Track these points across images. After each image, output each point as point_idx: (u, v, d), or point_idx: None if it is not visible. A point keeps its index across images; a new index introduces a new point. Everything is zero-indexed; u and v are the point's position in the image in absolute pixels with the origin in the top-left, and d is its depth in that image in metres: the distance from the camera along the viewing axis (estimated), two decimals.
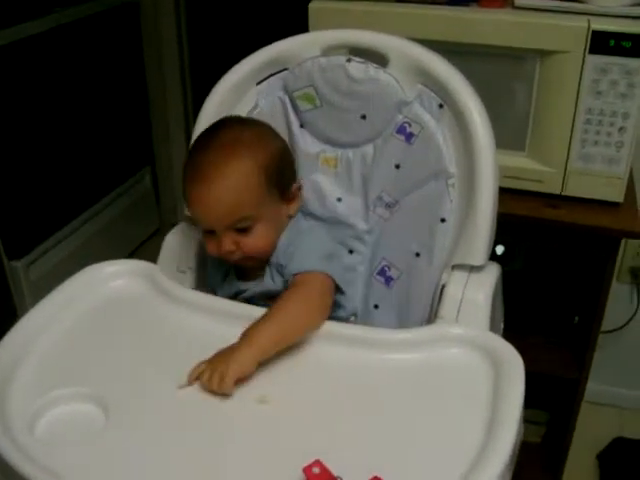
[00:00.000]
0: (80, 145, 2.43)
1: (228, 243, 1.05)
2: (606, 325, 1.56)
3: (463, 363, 0.93)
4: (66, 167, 2.37)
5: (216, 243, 1.06)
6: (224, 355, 0.91)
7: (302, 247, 1.08)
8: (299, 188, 1.15)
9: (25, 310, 1.00)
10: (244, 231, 1.06)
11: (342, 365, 0.94)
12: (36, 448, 0.80)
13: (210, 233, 1.07)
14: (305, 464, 0.75)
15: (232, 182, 1.03)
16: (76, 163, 2.42)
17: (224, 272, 1.17)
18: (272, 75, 1.19)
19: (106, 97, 2.52)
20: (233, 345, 0.93)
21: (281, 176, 1.10)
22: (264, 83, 1.19)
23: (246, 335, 0.94)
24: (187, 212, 1.18)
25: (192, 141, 1.12)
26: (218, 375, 0.88)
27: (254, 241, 1.06)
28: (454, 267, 1.08)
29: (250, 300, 1.11)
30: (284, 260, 1.08)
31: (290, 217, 1.14)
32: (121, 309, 1.04)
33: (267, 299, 1.11)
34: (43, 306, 1.01)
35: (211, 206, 1.04)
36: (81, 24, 2.32)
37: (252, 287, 1.13)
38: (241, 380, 0.89)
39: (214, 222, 1.05)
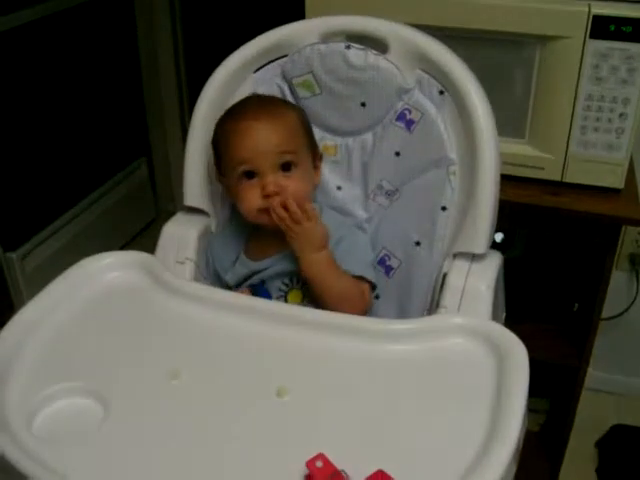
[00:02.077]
0: (75, 135, 2.41)
1: (272, 184, 1.06)
2: (605, 312, 1.55)
3: (466, 353, 0.91)
4: (61, 157, 2.36)
5: (258, 189, 1.07)
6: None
7: (357, 248, 1.14)
8: (321, 157, 1.16)
9: (22, 302, 0.99)
10: (288, 170, 1.07)
11: (343, 356, 0.93)
12: (34, 444, 0.79)
13: (250, 179, 1.07)
14: (308, 458, 0.74)
15: (281, 119, 1.09)
16: (71, 153, 2.40)
17: (235, 254, 1.17)
18: (270, 62, 1.17)
19: (101, 87, 2.50)
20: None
21: (312, 136, 1.15)
22: (262, 70, 1.18)
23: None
24: (187, 202, 1.17)
25: (191, 123, 1.16)
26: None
27: (296, 184, 1.08)
28: (455, 256, 1.07)
29: (263, 282, 1.12)
30: (331, 246, 1.09)
31: (315, 188, 1.16)
32: (119, 301, 1.03)
33: (283, 278, 1.12)
34: (40, 299, 1.00)
35: (262, 138, 1.06)
36: (75, 12, 2.30)
37: (270, 264, 1.12)
38: None
39: (262, 157, 1.06)
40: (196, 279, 1.14)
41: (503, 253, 1.12)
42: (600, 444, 1.96)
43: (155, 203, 2.92)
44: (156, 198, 2.92)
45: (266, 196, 1.06)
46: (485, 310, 1.01)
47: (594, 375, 1.88)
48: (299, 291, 1.12)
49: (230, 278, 1.15)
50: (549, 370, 1.58)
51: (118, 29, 2.56)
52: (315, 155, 1.14)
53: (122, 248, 2.53)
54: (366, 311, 1.12)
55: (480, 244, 1.05)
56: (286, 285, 1.13)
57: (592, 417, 1.94)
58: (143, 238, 2.74)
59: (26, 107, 2.17)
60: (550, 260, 1.71)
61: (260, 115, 1.08)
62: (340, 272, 1.09)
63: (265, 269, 1.13)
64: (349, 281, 1.09)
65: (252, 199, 1.08)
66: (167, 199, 2.90)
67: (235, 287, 1.15)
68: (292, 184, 1.07)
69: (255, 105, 1.11)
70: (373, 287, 1.14)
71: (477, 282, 1.03)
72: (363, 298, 1.10)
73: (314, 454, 0.75)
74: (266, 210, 1.07)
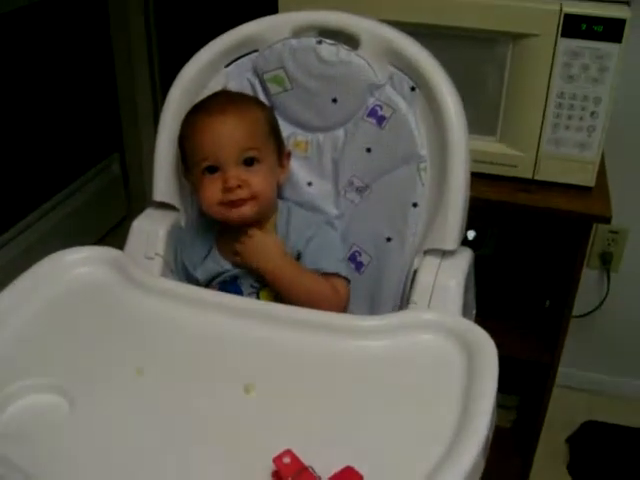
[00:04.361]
0: (47, 131, 2.38)
1: (234, 178, 1.05)
2: (576, 310, 1.56)
3: (435, 349, 0.91)
4: (33, 153, 2.33)
5: (220, 183, 1.06)
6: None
7: (328, 245, 1.12)
8: (289, 155, 1.15)
9: None
10: (251, 165, 1.06)
11: (311, 352, 0.92)
12: None
13: (212, 174, 1.07)
14: (275, 454, 0.73)
15: (245, 115, 1.08)
16: (43, 149, 2.37)
17: (206, 249, 1.15)
18: (241, 57, 1.16)
19: (74, 82, 2.47)
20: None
21: (278, 134, 1.14)
22: (233, 65, 1.17)
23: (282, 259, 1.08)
24: (156, 197, 1.16)
25: (161, 118, 1.14)
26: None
27: (258, 179, 1.07)
28: (426, 252, 1.07)
29: (235, 279, 1.11)
30: (302, 245, 1.10)
31: (280, 186, 1.15)
32: (86, 297, 1.01)
33: (255, 275, 1.11)
34: (4, 295, 0.98)
35: (226, 134, 1.06)
36: (46, 5, 2.27)
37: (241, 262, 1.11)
38: None
39: (225, 152, 1.05)
40: (165, 275, 1.13)
41: (475, 250, 1.12)
42: (571, 440, 1.97)
43: (127, 200, 2.89)
44: (128, 195, 2.90)
45: (227, 189, 1.05)
46: (455, 306, 1.01)
47: (565, 372, 1.89)
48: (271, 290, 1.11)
49: (200, 274, 1.14)
50: (521, 367, 1.59)
51: (91, 24, 2.53)
52: (281, 154, 1.13)
53: (94, 245, 2.50)
54: (345, 307, 1.11)
55: (450, 241, 1.05)
56: (258, 283, 1.12)
57: (563, 414, 1.95)
58: (115, 235, 2.71)
59: None
60: (522, 257, 1.72)
61: (225, 111, 1.07)
62: (307, 273, 1.08)
63: (236, 267, 1.12)
64: (318, 280, 1.08)
65: (212, 193, 1.07)
66: (139, 196, 2.87)
67: (205, 283, 1.14)
68: (254, 179, 1.07)
69: (221, 101, 1.10)
70: (349, 282, 1.13)
71: (447, 278, 1.03)
72: (338, 295, 1.10)
73: (281, 450, 0.74)
74: (227, 204, 1.06)
